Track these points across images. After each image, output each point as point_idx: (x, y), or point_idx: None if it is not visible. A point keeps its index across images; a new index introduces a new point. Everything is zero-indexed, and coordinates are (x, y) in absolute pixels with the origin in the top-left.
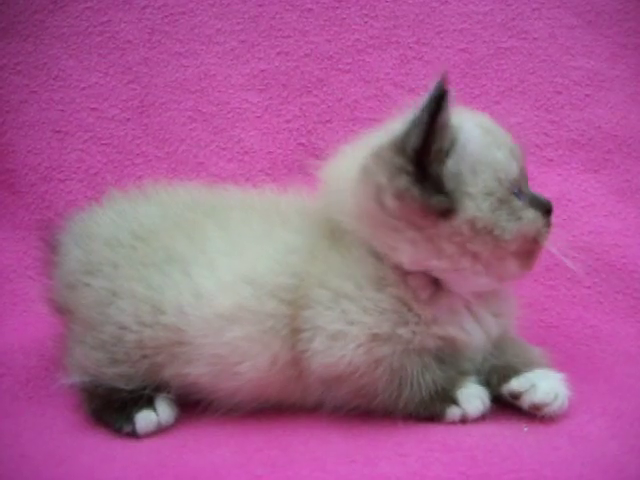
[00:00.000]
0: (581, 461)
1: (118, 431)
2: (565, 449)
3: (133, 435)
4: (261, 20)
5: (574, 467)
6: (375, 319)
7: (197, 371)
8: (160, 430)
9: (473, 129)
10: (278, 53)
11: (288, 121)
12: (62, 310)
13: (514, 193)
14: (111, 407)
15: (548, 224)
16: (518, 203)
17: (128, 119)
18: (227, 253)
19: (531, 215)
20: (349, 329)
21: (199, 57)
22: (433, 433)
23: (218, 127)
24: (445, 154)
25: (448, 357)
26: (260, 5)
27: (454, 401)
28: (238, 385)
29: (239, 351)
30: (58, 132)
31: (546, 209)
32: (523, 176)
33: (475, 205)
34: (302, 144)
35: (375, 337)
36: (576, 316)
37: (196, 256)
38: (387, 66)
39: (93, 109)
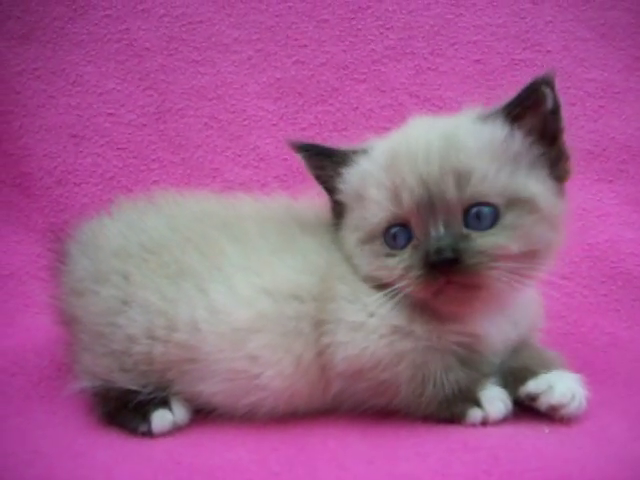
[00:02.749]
0: (606, 460)
1: (133, 431)
2: (589, 448)
3: (148, 435)
4: (278, 30)
5: (600, 465)
6: (393, 312)
7: (211, 389)
8: (175, 430)
9: (373, 160)
10: (294, 62)
11: (303, 129)
12: (67, 320)
13: (384, 236)
14: (125, 407)
15: (428, 274)
16: (380, 247)
17: (144, 125)
18: (244, 268)
19: (391, 262)
20: (369, 320)
21: (216, 65)
22: (453, 433)
23: (234, 134)
24: (334, 187)
25: (469, 359)
26: (277, 15)
27: (476, 402)
28: (259, 399)
29: (260, 361)
30: (74, 136)
31: (428, 262)
32: (420, 215)
33: (343, 235)
34: None
35: (396, 329)
36: (593, 323)
37: (210, 272)
38: (402, 76)
39: (110, 114)
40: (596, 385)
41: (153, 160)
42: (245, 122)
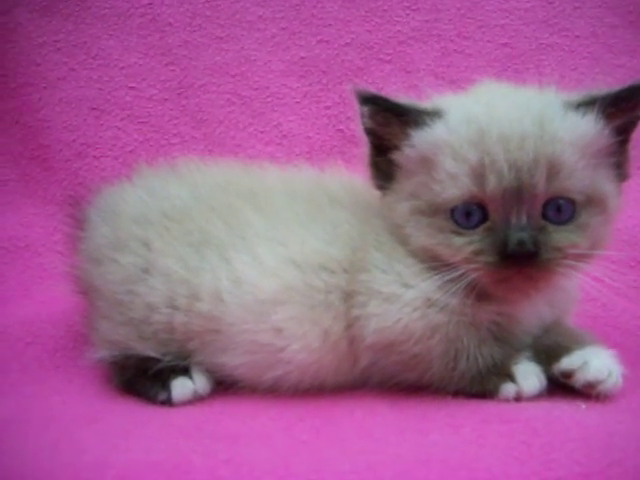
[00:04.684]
0: None
1: (152, 399)
2: (629, 423)
3: (168, 403)
4: (303, 8)
5: None
6: (429, 285)
7: (234, 361)
8: (196, 399)
9: (452, 128)
10: (319, 41)
11: (327, 107)
12: (85, 289)
13: (452, 211)
14: (144, 375)
15: (501, 263)
16: (445, 223)
17: (166, 99)
18: (269, 239)
19: (458, 241)
20: (404, 292)
21: (239, 42)
22: (486, 407)
23: (257, 111)
24: (395, 146)
25: (501, 336)
26: None
27: (510, 377)
28: (284, 372)
29: (285, 334)
30: (95, 109)
31: (506, 251)
32: (503, 200)
33: (394, 200)
34: (341, 130)
35: (431, 303)
36: (623, 308)
37: (234, 242)
38: (428, 58)
39: (131, 88)
40: (629, 365)
41: (174, 135)
42: (268, 99)
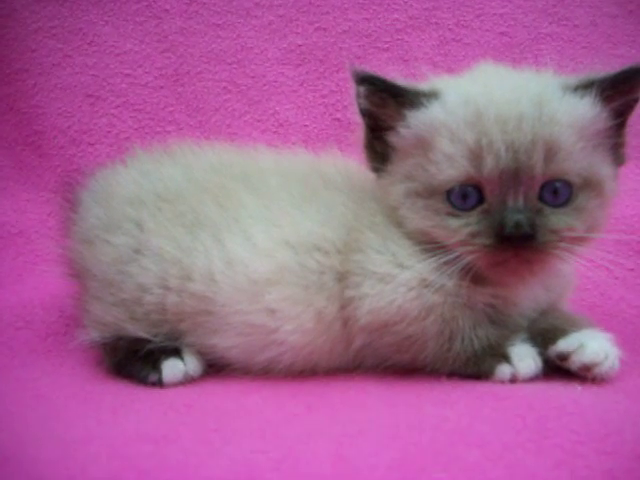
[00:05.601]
0: None
1: (143, 381)
2: (626, 404)
3: (159, 384)
4: None
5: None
6: (424, 266)
7: (226, 343)
8: (187, 381)
9: (448, 109)
10: (316, 29)
11: (324, 96)
12: (77, 271)
13: (448, 193)
14: (135, 356)
15: (498, 245)
16: (441, 205)
17: (162, 86)
18: (263, 220)
19: (454, 223)
20: (399, 272)
21: (236, 29)
22: (481, 387)
23: (253, 99)
24: (390, 127)
25: (497, 319)
26: None
27: (505, 358)
28: (277, 354)
29: (278, 315)
30: (90, 96)
31: (502, 233)
32: (500, 182)
33: (389, 182)
34: (337, 119)
35: (426, 283)
36: (619, 297)
37: (228, 223)
38: (426, 46)
39: (126, 75)
40: (626, 353)
41: (169, 122)
42: (265, 87)
